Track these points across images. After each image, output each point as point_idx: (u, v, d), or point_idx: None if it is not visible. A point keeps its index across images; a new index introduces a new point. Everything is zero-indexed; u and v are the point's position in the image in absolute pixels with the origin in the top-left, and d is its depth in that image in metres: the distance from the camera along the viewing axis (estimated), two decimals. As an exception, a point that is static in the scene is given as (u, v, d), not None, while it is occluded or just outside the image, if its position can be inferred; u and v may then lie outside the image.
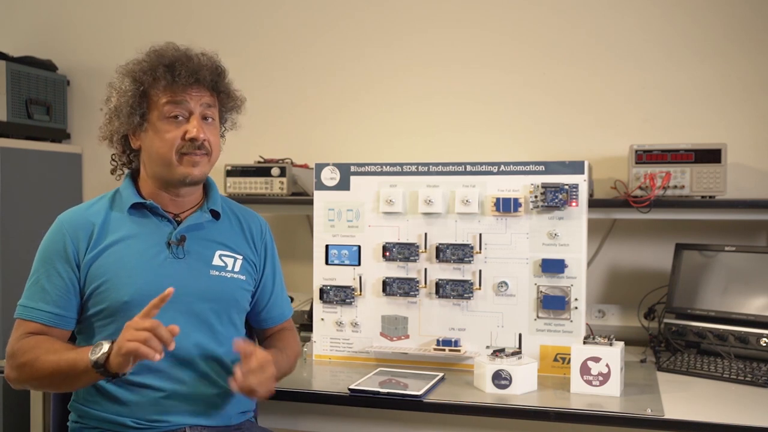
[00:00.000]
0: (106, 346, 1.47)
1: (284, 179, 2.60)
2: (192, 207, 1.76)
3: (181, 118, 1.66)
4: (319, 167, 2.29)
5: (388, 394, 1.86)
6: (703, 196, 2.32)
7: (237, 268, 1.76)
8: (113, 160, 1.79)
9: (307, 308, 2.48)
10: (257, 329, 1.91)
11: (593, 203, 2.26)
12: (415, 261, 2.20)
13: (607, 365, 1.87)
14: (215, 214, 1.77)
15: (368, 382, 1.94)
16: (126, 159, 1.76)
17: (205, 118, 1.69)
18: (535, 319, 2.10)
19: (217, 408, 1.69)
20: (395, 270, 2.22)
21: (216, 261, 1.73)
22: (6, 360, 1.61)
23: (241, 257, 1.78)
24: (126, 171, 1.78)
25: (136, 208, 1.70)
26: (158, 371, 1.62)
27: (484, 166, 2.16)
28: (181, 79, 1.64)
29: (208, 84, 1.69)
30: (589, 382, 1.89)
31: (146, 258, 1.66)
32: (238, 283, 1.76)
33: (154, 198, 1.71)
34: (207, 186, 1.81)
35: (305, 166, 2.74)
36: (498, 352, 1.96)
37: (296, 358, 1.90)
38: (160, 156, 1.66)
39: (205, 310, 1.69)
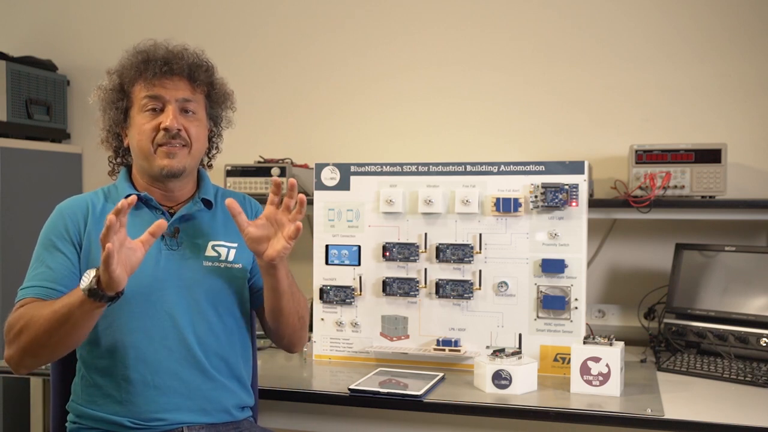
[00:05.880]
0: (92, 271, 1.42)
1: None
2: (185, 200, 1.77)
3: (157, 110, 1.68)
4: (319, 167, 2.29)
5: (388, 394, 1.86)
6: (703, 196, 2.32)
7: (231, 257, 1.75)
8: (110, 161, 1.81)
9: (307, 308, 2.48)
10: (259, 308, 1.84)
11: (593, 203, 2.26)
12: (415, 261, 2.20)
13: (607, 365, 1.87)
14: (208, 204, 1.77)
15: (368, 382, 1.94)
16: (121, 159, 1.80)
17: (185, 111, 1.70)
18: (535, 319, 2.10)
19: (216, 403, 1.68)
20: (395, 270, 2.22)
21: (209, 251, 1.73)
22: (5, 339, 1.55)
23: (235, 245, 1.77)
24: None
25: None
26: (154, 365, 1.61)
27: (484, 166, 2.16)
28: (155, 68, 1.66)
29: (186, 75, 1.70)
30: (589, 382, 1.88)
31: None
32: (233, 272, 1.75)
33: (148, 192, 1.73)
34: (199, 177, 1.82)
35: (305, 166, 2.74)
36: (498, 352, 1.96)
37: (304, 299, 1.83)
38: (139, 148, 1.68)
39: (201, 302, 1.68)
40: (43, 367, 1.76)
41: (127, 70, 1.70)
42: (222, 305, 1.72)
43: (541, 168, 2.10)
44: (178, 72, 1.69)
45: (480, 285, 2.14)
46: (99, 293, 1.42)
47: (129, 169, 1.78)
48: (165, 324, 1.64)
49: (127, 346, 1.62)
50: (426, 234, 2.19)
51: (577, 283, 2.07)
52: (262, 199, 2.54)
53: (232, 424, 1.71)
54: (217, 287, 1.71)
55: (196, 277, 1.69)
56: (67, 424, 1.70)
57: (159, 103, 1.67)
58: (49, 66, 3.07)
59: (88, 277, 1.43)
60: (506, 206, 2.11)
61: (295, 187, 1.63)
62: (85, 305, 1.44)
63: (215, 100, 1.78)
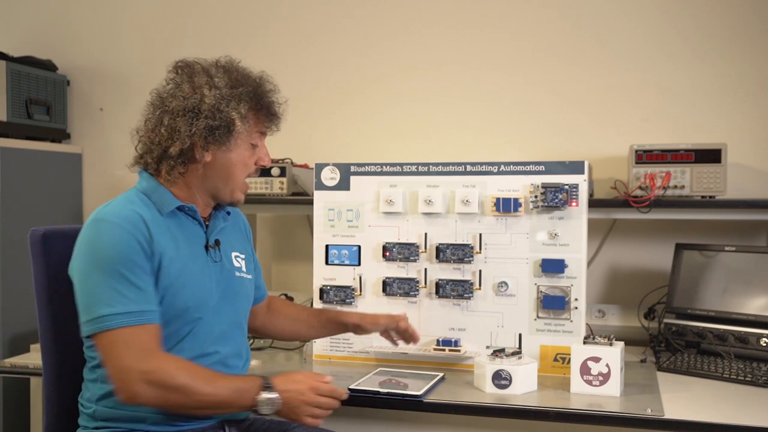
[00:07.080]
0: (277, 400, 1.56)
1: (284, 179, 2.60)
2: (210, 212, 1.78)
3: (257, 145, 1.73)
4: (319, 167, 2.29)
5: (388, 394, 1.86)
6: (703, 196, 2.32)
7: (245, 268, 1.81)
8: (141, 158, 1.67)
9: (307, 308, 2.48)
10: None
11: (593, 203, 2.26)
12: (415, 261, 2.20)
13: (607, 365, 1.87)
14: (227, 215, 1.81)
15: (368, 382, 1.94)
16: (171, 163, 1.62)
17: None
18: (535, 319, 2.10)
19: None
20: (395, 270, 2.22)
21: (235, 262, 1.77)
22: (134, 375, 1.48)
23: (244, 256, 1.82)
24: (139, 170, 1.69)
25: (171, 211, 1.65)
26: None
27: (484, 166, 2.16)
28: (278, 108, 1.77)
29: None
30: (589, 382, 1.88)
31: (195, 262, 1.65)
32: (250, 282, 1.82)
33: (192, 202, 1.68)
34: None
35: (305, 166, 2.74)
36: (498, 352, 1.96)
37: None
38: (231, 178, 1.68)
39: (238, 312, 1.75)
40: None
41: (255, 94, 1.70)
42: (247, 313, 1.82)
43: (541, 168, 2.10)
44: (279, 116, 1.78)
45: (480, 285, 2.14)
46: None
47: (148, 173, 1.68)
48: (227, 332, 1.70)
49: (210, 353, 1.66)
50: (426, 234, 2.19)
51: (577, 283, 2.07)
52: (261, 200, 2.58)
53: (248, 420, 1.79)
54: (246, 297, 1.80)
55: (235, 287, 1.74)
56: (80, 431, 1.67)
57: (261, 141, 1.74)
58: (49, 66, 3.07)
59: (269, 403, 1.55)
60: (506, 206, 2.11)
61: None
62: (242, 410, 1.59)
63: None
